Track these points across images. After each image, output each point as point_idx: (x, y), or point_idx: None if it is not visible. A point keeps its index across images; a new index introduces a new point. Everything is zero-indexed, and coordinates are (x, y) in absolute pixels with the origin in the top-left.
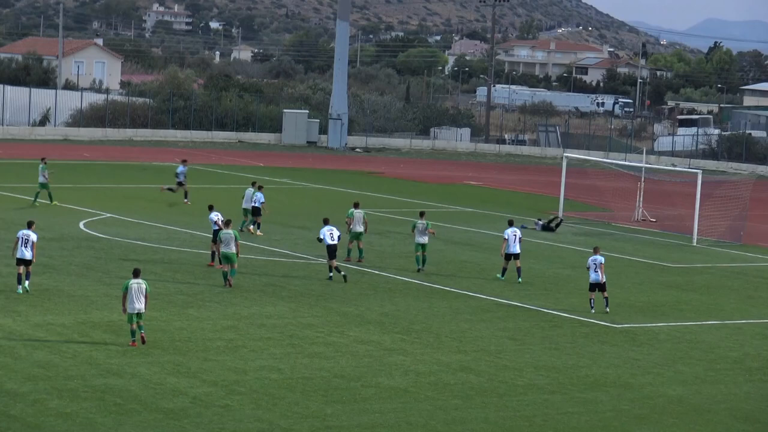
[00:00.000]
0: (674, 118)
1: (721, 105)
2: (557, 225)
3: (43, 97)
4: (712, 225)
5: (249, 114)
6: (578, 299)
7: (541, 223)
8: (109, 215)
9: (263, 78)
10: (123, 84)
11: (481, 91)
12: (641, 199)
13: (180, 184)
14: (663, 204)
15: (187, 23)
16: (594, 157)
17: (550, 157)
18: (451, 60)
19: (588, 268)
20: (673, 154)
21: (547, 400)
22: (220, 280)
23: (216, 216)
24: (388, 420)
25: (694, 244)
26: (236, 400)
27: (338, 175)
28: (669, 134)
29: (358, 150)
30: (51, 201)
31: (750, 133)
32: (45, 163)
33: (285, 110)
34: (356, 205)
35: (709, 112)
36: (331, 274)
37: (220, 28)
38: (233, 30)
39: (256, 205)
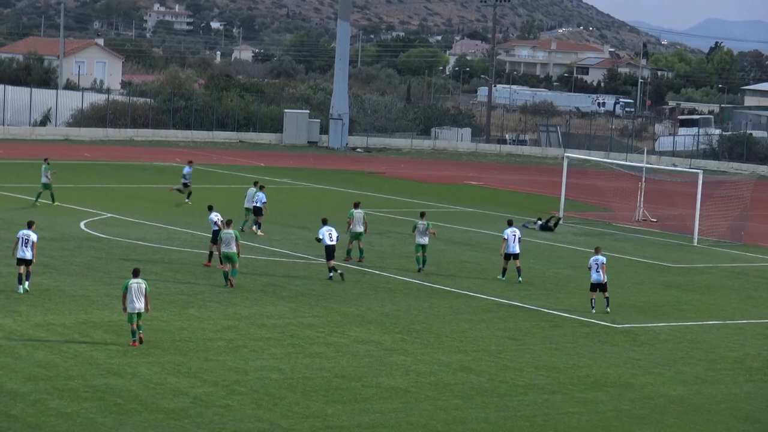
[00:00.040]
0: (675, 118)
1: (722, 105)
2: (555, 224)
3: (44, 97)
4: (713, 225)
5: (250, 114)
6: (579, 299)
7: (540, 222)
8: (109, 215)
9: (264, 78)
10: (124, 84)
11: (482, 91)
12: (642, 199)
13: (185, 185)
14: (664, 204)
15: (188, 23)
16: (595, 157)
17: (551, 157)
18: (452, 60)
19: (589, 268)
20: (674, 154)
21: (548, 400)
22: (220, 280)
23: (216, 216)
24: (388, 420)
25: (695, 244)
26: (237, 400)
27: (339, 175)
28: (670, 134)
29: (359, 150)
30: (53, 201)
31: (751, 133)
32: (48, 163)
33: (286, 110)
34: (356, 205)
35: (710, 112)
36: (331, 274)
37: (221, 28)
38: (234, 30)
39: (258, 204)
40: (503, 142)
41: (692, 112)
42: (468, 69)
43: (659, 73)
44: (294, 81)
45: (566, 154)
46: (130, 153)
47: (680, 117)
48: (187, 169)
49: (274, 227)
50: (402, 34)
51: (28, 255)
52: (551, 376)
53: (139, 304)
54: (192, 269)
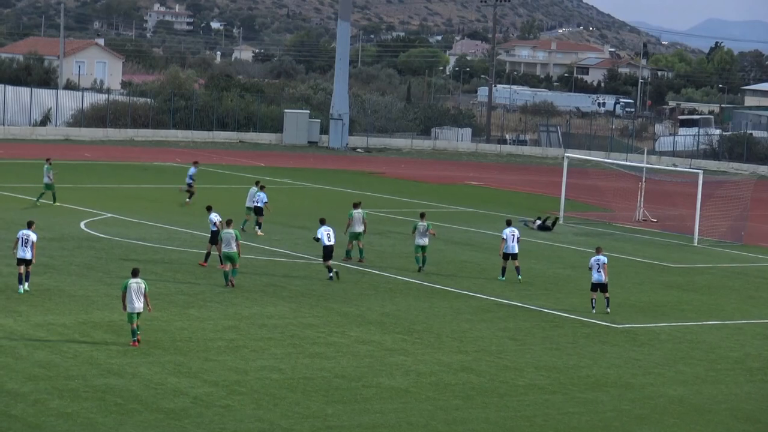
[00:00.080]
0: (675, 119)
1: (722, 105)
2: (553, 223)
3: (44, 97)
4: (713, 225)
5: (250, 114)
6: (579, 299)
7: (538, 222)
8: (109, 215)
9: (264, 78)
10: (124, 84)
11: (482, 91)
12: (642, 199)
13: (189, 185)
14: (664, 204)
15: (188, 23)
16: (595, 157)
17: (551, 157)
18: (452, 60)
19: (590, 268)
20: (674, 154)
21: (548, 400)
22: (221, 280)
23: (216, 217)
24: (389, 420)
25: (695, 245)
26: (237, 400)
27: (339, 175)
28: (670, 134)
29: (359, 150)
30: (54, 201)
31: (751, 133)
32: (50, 163)
33: (286, 110)
34: (355, 206)
35: (710, 113)
36: (331, 274)
37: (221, 28)
38: (234, 30)
39: (259, 204)
40: (503, 142)
41: (692, 112)
42: (468, 69)
43: (659, 73)
44: (294, 81)
45: (566, 154)
46: (130, 153)
47: (680, 117)
48: (192, 170)
49: (274, 227)
50: (402, 34)
51: (28, 255)
52: (551, 376)
53: (139, 304)
54: (192, 269)
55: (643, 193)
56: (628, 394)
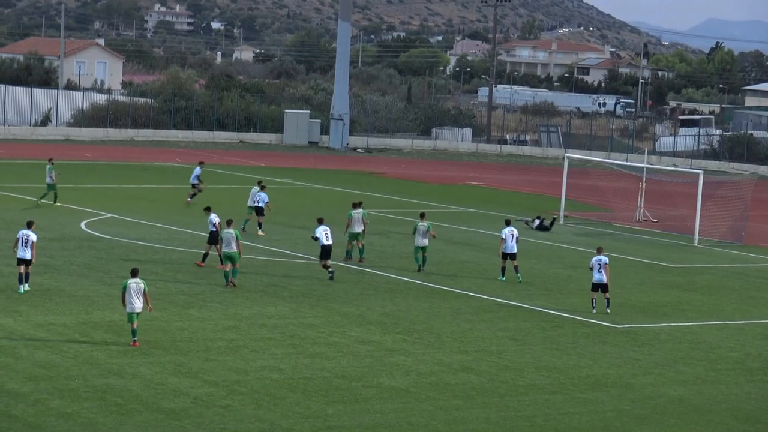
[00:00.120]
0: (676, 119)
1: (723, 105)
2: (551, 224)
3: (44, 97)
4: (714, 225)
5: (250, 114)
6: (579, 299)
7: (537, 221)
8: (110, 215)
9: (265, 78)
10: (124, 84)
11: (483, 92)
12: (642, 199)
13: (193, 185)
14: (664, 204)
15: (189, 23)
16: (595, 157)
17: (551, 157)
18: (453, 60)
19: (591, 268)
20: (674, 154)
21: (548, 400)
22: (221, 281)
23: (216, 218)
24: (389, 420)
25: (696, 245)
26: (237, 401)
27: (339, 175)
28: (670, 134)
29: (359, 150)
30: (54, 201)
31: (751, 134)
32: (52, 163)
33: (286, 110)
34: (355, 206)
35: (711, 113)
36: (332, 274)
37: (222, 28)
38: (235, 30)
39: (260, 204)
40: (504, 142)
41: (693, 112)
42: (469, 69)
43: (660, 73)
44: (294, 81)
45: (567, 155)
46: (130, 153)
47: (681, 117)
48: (198, 170)
49: (274, 227)
50: (403, 34)
51: (28, 255)
52: (552, 376)
53: (138, 304)
54: (192, 269)
55: (643, 194)
56: (628, 394)
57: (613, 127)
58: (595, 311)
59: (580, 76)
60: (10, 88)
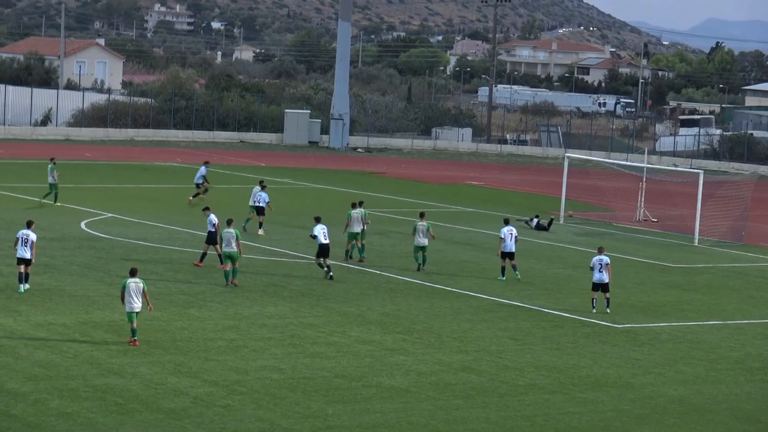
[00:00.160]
0: (676, 119)
1: (723, 105)
2: (549, 224)
3: (44, 97)
4: (714, 225)
5: (251, 114)
6: (579, 299)
7: (536, 221)
8: (110, 215)
9: (265, 78)
10: (125, 84)
11: (483, 91)
12: (643, 199)
13: (197, 185)
14: (664, 204)
15: (189, 23)
16: (595, 157)
17: (551, 157)
18: (453, 60)
19: (592, 268)
20: (674, 154)
21: (548, 400)
22: (221, 280)
23: (215, 218)
24: (389, 420)
25: (696, 245)
26: (237, 400)
27: (340, 175)
28: (671, 134)
29: (359, 150)
30: (54, 201)
31: (752, 134)
32: (54, 163)
33: (287, 110)
34: (354, 205)
35: (711, 113)
36: (331, 273)
37: (222, 28)
38: (235, 30)
39: (261, 204)
40: (504, 142)
41: (693, 112)
42: (469, 69)
43: (660, 73)
44: (295, 81)
45: (567, 154)
46: (130, 153)
47: (681, 117)
48: (203, 169)
49: (275, 227)
50: (403, 34)
51: (28, 255)
52: (552, 376)
53: (137, 304)
54: (193, 269)
55: (643, 193)
56: (628, 393)
57: (614, 126)
58: (595, 311)
59: (580, 76)
60: (10, 88)
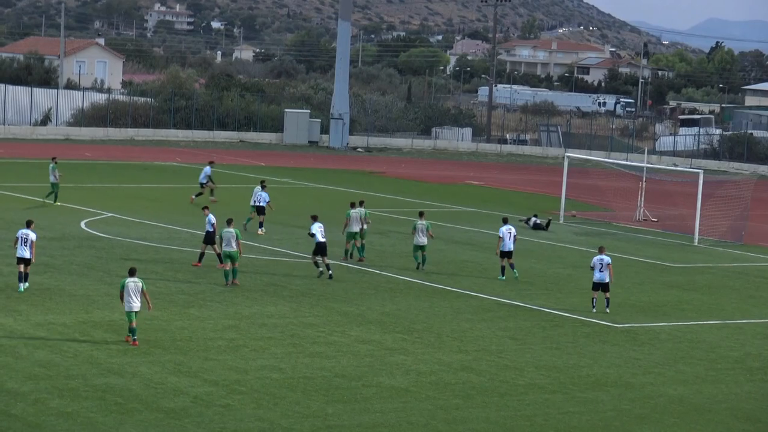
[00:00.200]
0: (676, 118)
1: (723, 105)
2: (547, 224)
3: (44, 97)
4: (714, 225)
5: (250, 114)
6: (579, 299)
7: (534, 220)
8: (110, 215)
9: (265, 78)
10: (124, 84)
11: (483, 91)
12: (642, 198)
13: (202, 185)
14: (664, 204)
15: (189, 23)
16: (595, 156)
17: (551, 156)
18: (453, 60)
19: (592, 268)
20: (674, 153)
21: (548, 399)
22: (221, 280)
23: (214, 218)
24: (389, 419)
25: (696, 244)
26: (237, 400)
27: (340, 174)
28: (670, 134)
29: (359, 150)
30: (54, 201)
31: (751, 133)
32: (56, 162)
33: (286, 110)
34: (353, 205)
35: (711, 112)
36: (330, 272)
37: (222, 27)
38: (235, 30)
39: (261, 204)
40: (504, 141)
41: (693, 111)
42: (469, 69)
43: (660, 72)
44: (295, 81)
45: (567, 154)
46: (130, 152)
47: (681, 117)
48: (207, 169)
49: (275, 227)
50: (403, 33)
51: (27, 254)
52: (552, 375)
53: (136, 303)
54: (192, 269)
55: (643, 193)
56: (628, 393)
57: (613, 126)
58: (594, 310)
59: (580, 76)
60: (10, 87)
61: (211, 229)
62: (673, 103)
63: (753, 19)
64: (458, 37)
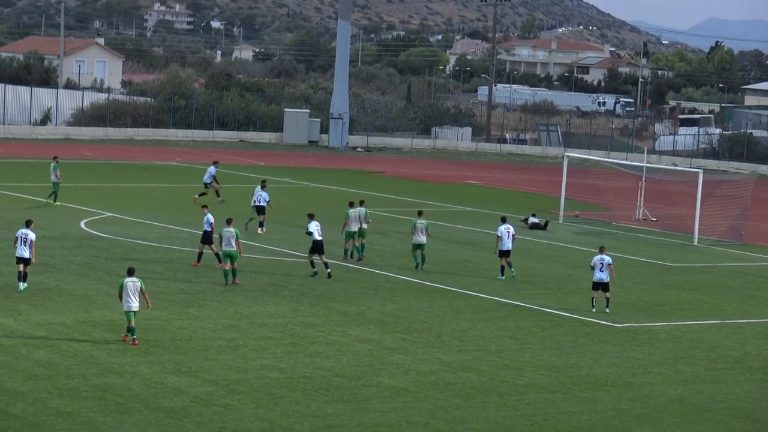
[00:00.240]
0: (675, 118)
1: (723, 104)
2: (545, 224)
3: (44, 97)
4: (713, 224)
5: (250, 113)
6: (579, 298)
7: (532, 219)
8: (110, 214)
9: (264, 77)
10: (124, 83)
11: (483, 91)
12: (642, 198)
13: (206, 185)
14: (664, 203)
15: (189, 22)
16: (595, 156)
17: (551, 156)
18: (453, 59)
19: (592, 267)
20: (674, 153)
21: (548, 399)
22: (220, 279)
23: (212, 218)
24: (389, 419)
25: (695, 244)
26: (237, 399)
27: (339, 174)
28: (670, 134)
29: (359, 149)
30: (54, 200)
31: (751, 133)
32: (57, 162)
33: (286, 109)
34: (351, 204)
35: (711, 112)
36: (329, 270)
37: (222, 27)
38: (234, 29)
39: (261, 203)
40: (503, 141)
41: (693, 111)
42: (468, 68)
43: (659, 72)
44: (294, 80)
45: (566, 154)
46: (130, 152)
47: (680, 116)
48: (212, 169)
49: (275, 226)
50: (402, 33)
51: (27, 254)
52: (551, 375)
53: (135, 303)
54: (192, 268)
55: (643, 193)
56: (627, 393)
57: (613, 126)
58: (594, 310)
59: (579, 76)
60: (9, 87)
61: (209, 229)
62: (672, 103)
63: (753, 19)
64: (458, 37)
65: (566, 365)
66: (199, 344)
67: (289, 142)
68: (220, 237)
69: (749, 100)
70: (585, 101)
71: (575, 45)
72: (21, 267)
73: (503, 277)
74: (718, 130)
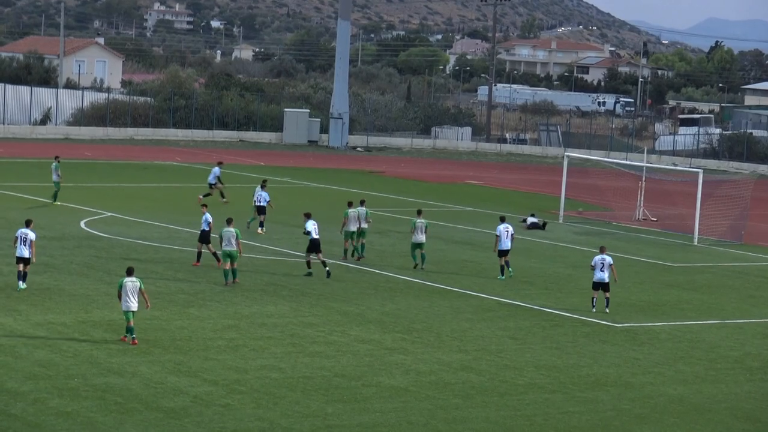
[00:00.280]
0: (675, 118)
1: (722, 104)
2: (544, 225)
3: (44, 96)
4: (713, 224)
5: (250, 113)
6: (579, 298)
7: (531, 219)
8: (110, 214)
9: (264, 77)
10: (124, 83)
11: (482, 91)
12: (642, 198)
13: (211, 186)
14: (664, 203)
15: (189, 22)
16: (595, 156)
17: (551, 156)
18: (452, 59)
19: (593, 267)
20: (674, 153)
21: (548, 399)
22: (220, 279)
23: (210, 217)
24: (389, 419)
25: (695, 244)
26: (237, 399)
27: (339, 174)
28: (670, 133)
29: (359, 149)
30: (54, 200)
31: (751, 133)
32: (58, 161)
33: (286, 109)
34: (350, 204)
35: (711, 112)
36: (327, 268)
37: (222, 27)
38: (234, 29)
39: (261, 203)
40: (503, 141)
41: (692, 111)
42: (468, 68)
43: (659, 72)
44: (294, 80)
45: (566, 154)
46: (130, 152)
47: (680, 116)
48: (216, 170)
49: (274, 226)
50: (402, 33)
51: (26, 254)
52: (551, 375)
53: (134, 303)
54: (192, 268)
55: (643, 193)
56: (628, 393)
57: (613, 126)
58: (594, 310)
59: (579, 75)
60: (9, 87)
61: (207, 228)
62: (672, 103)
63: (753, 19)
64: (458, 37)
65: (566, 365)
66: (199, 344)
67: (289, 142)
68: (220, 237)
69: (749, 100)
70: (585, 101)
71: (575, 45)
72: (21, 267)
73: (503, 277)
74: (718, 130)
